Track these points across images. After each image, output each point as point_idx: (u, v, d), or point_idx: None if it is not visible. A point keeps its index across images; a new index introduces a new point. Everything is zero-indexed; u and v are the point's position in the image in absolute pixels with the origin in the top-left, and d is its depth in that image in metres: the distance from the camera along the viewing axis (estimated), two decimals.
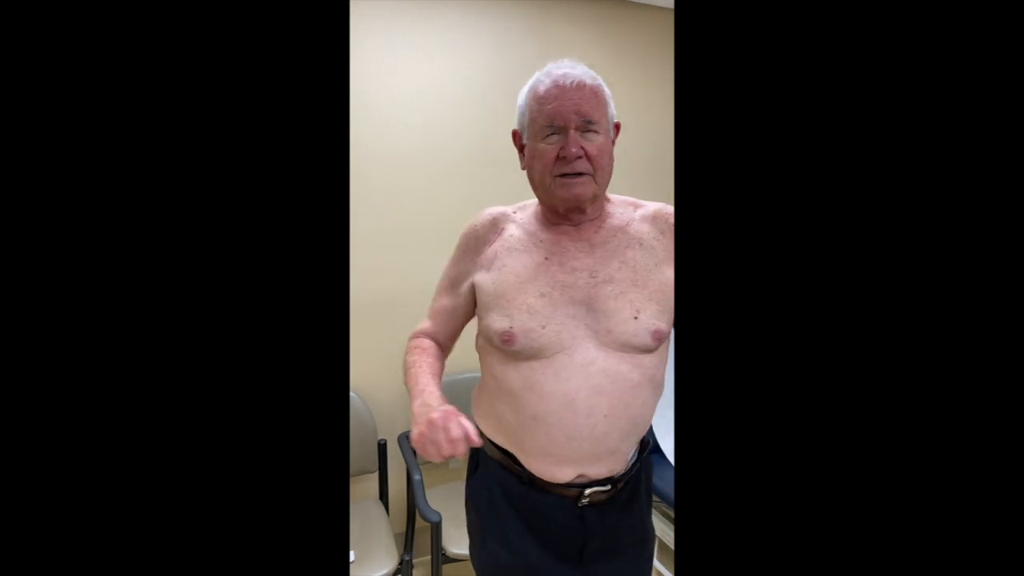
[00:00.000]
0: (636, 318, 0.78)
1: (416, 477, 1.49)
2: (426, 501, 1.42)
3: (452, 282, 0.93)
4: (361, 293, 1.66)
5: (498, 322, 0.80)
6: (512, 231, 0.86)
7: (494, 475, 0.89)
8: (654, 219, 0.84)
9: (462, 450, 0.68)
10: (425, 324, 0.98)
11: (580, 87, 0.75)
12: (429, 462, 1.70)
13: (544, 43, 1.77)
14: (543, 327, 0.78)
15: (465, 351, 1.76)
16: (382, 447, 1.69)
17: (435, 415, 0.71)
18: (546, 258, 0.81)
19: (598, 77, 0.79)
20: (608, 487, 0.83)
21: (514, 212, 0.90)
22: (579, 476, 0.82)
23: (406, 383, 0.86)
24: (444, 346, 0.98)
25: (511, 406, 0.82)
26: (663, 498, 1.64)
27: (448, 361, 1.66)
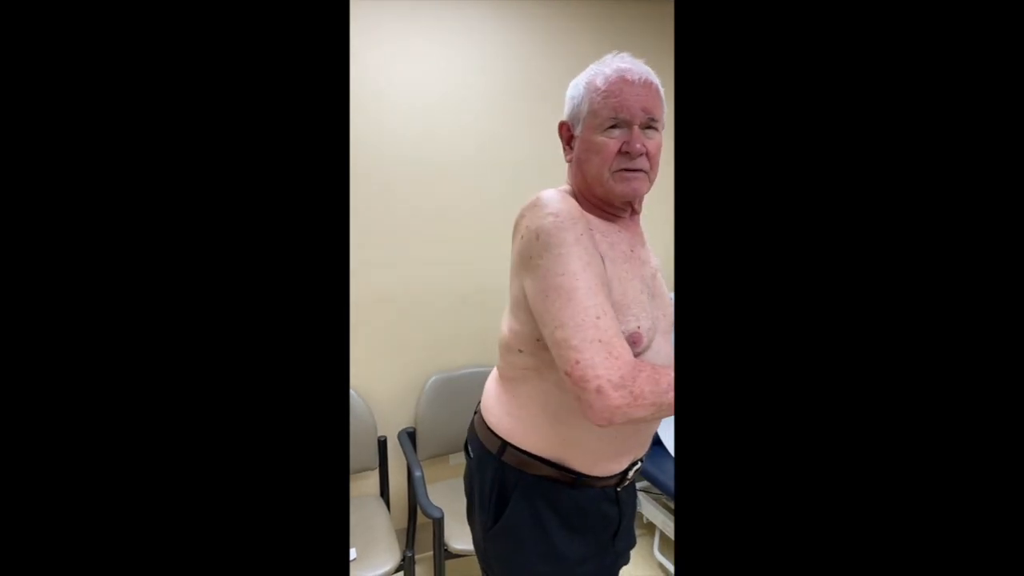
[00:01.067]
0: (671, 302, 0.83)
1: (417, 474, 1.49)
2: (428, 497, 1.42)
3: (602, 279, 0.71)
4: (361, 290, 1.65)
5: (624, 323, 0.70)
6: (590, 224, 0.75)
7: (536, 493, 0.81)
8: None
9: None
10: (619, 343, 0.67)
11: (647, 84, 0.76)
12: (429, 458, 1.72)
13: (544, 41, 1.76)
14: (652, 323, 0.77)
15: (464, 347, 1.77)
16: (382, 444, 1.69)
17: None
18: (631, 250, 0.81)
19: (656, 77, 0.79)
20: (639, 464, 0.87)
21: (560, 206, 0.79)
22: (634, 460, 0.85)
23: (667, 401, 0.66)
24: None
25: (581, 418, 0.74)
26: (664, 490, 1.64)
27: (448, 358, 1.69)
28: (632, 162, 0.75)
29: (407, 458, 1.62)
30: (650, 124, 0.76)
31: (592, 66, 0.80)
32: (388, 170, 1.65)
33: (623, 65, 0.77)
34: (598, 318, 0.66)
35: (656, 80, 0.78)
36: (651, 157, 0.77)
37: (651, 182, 0.79)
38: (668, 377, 0.66)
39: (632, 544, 0.95)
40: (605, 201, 0.80)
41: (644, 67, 0.78)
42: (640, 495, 1.88)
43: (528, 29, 1.76)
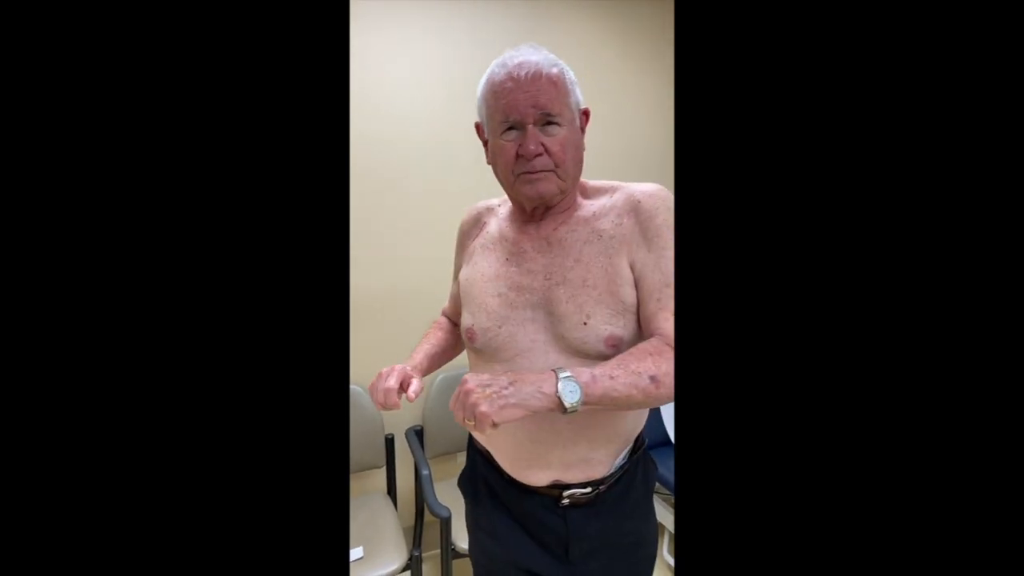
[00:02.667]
0: (585, 323, 0.72)
1: (424, 472, 1.48)
2: (435, 496, 1.41)
3: (456, 271, 0.94)
4: (367, 287, 1.64)
5: (465, 319, 0.82)
6: (491, 227, 0.86)
7: (480, 469, 0.90)
8: (625, 200, 0.76)
9: (392, 401, 0.74)
10: (446, 304, 1.03)
11: (536, 78, 0.69)
12: (437, 456, 1.71)
13: (547, 41, 1.74)
14: (499, 327, 0.77)
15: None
16: (389, 441, 1.68)
17: (383, 369, 0.77)
18: (507, 258, 0.80)
19: (559, 62, 0.73)
20: (589, 490, 0.79)
21: (499, 205, 0.89)
22: (555, 480, 0.79)
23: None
24: (457, 325, 0.99)
25: None
26: (672, 490, 1.62)
27: (457, 356, 1.65)
28: (529, 164, 0.71)
29: (414, 456, 1.61)
30: (548, 120, 0.70)
31: (493, 63, 0.74)
32: (393, 166, 1.63)
33: (514, 61, 0.71)
34: (452, 286, 0.97)
35: (555, 69, 0.71)
36: (554, 154, 0.71)
37: (564, 178, 0.73)
38: (427, 334, 0.96)
39: (610, 567, 0.85)
40: (518, 204, 0.81)
41: (541, 56, 0.71)
42: None
43: (530, 29, 1.73)
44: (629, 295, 0.73)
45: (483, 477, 0.89)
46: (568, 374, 0.62)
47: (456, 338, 0.98)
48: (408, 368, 0.80)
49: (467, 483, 0.94)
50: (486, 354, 0.79)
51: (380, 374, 0.77)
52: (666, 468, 1.66)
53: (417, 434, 1.70)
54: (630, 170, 1.92)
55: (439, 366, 0.95)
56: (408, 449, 1.69)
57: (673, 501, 1.79)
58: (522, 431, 0.76)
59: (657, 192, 0.75)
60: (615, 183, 0.82)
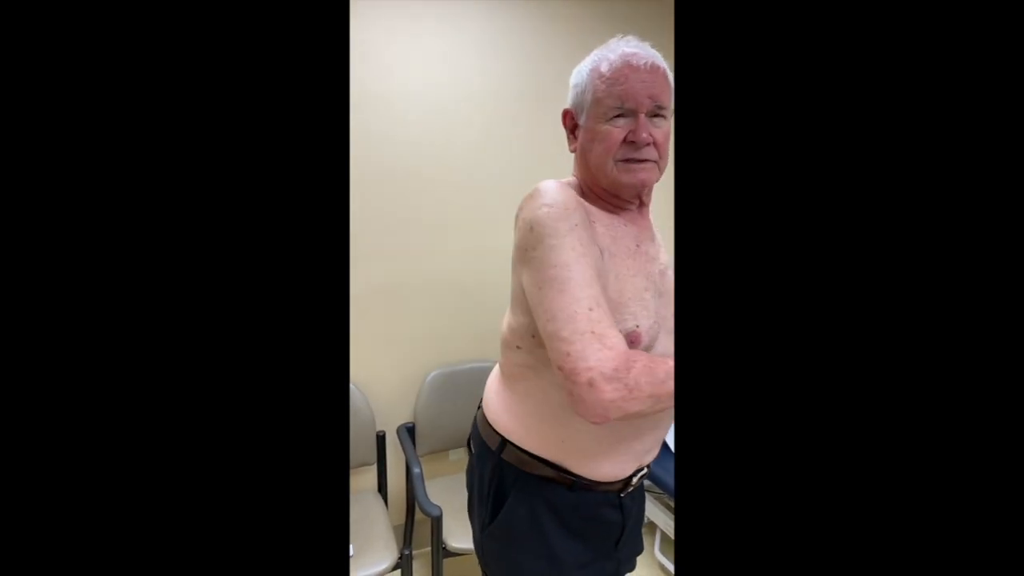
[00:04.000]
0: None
1: (416, 470, 1.47)
2: (426, 495, 1.40)
3: (598, 271, 0.67)
4: (360, 281, 1.63)
5: (622, 321, 0.67)
6: (591, 215, 0.72)
7: (535, 493, 0.79)
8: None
9: None
10: (614, 335, 0.63)
11: (654, 69, 0.71)
12: (428, 454, 1.70)
13: (547, 34, 1.72)
14: (654, 323, 0.73)
15: (465, 341, 1.74)
16: (381, 439, 1.67)
17: None
18: (637, 245, 0.76)
19: (664, 60, 0.74)
20: (645, 470, 0.83)
21: (558, 191, 0.74)
22: (638, 467, 0.81)
23: (666, 391, 0.63)
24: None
25: (580, 419, 0.71)
26: (666, 489, 1.61)
27: (449, 352, 1.65)
28: (638, 152, 0.72)
29: (406, 454, 1.60)
30: (657, 112, 0.72)
31: (596, 51, 0.75)
32: (388, 161, 1.61)
33: (628, 49, 0.72)
34: (591, 309, 0.63)
35: (664, 64, 0.74)
36: (659, 146, 0.72)
37: (661, 171, 0.75)
38: (665, 366, 0.63)
39: (639, 551, 0.91)
40: (611, 192, 0.76)
41: (651, 51, 0.73)
42: None
43: (531, 21, 1.71)
44: None
45: (542, 500, 0.78)
46: None
47: None
48: None
49: (514, 518, 0.79)
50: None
51: None
52: (657, 464, 1.65)
53: (409, 431, 1.68)
54: None
55: None
56: (399, 446, 1.67)
57: (665, 500, 1.78)
58: (653, 422, 0.76)
59: None
60: None
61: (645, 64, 0.71)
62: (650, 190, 0.79)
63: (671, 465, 1.66)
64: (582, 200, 0.73)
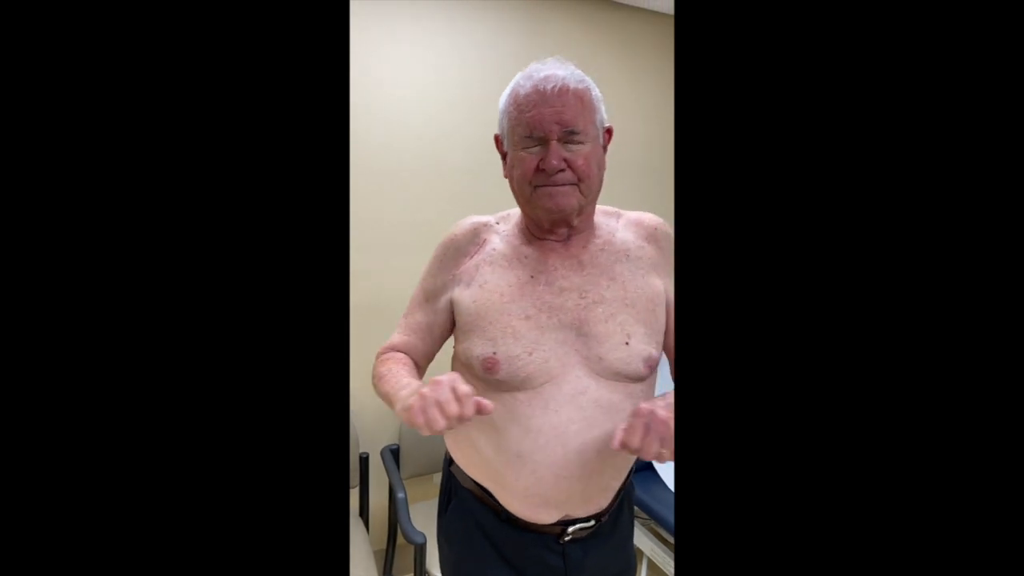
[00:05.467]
0: (627, 343, 0.71)
1: (400, 495, 1.43)
2: (410, 521, 1.36)
3: (428, 295, 0.83)
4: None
5: (479, 347, 0.72)
6: (495, 244, 0.78)
7: (470, 509, 0.81)
8: (636, 227, 0.79)
9: (470, 411, 0.59)
10: (395, 339, 0.86)
11: (562, 92, 0.68)
12: (413, 477, 1.66)
13: (543, 45, 1.75)
14: (529, 353, 0.70)
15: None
16: (364, 461, 1.63)
17: (437, 378, 0.62)
18: (532, 276, 0.74)
19: (586, 79, 0.72)
20: (592, 523, 0.77)
21: (497, 222, 0.82)
22: (565, 516, 0.76)
23: (381, 391, 0.76)
24: (418, 365, 0.86)
25: (492, 440, 0.74)
26: (652, 516, 1.59)
27: (436, 372, 1.60)
28: (551, 179, 0.69)
29: (390, 477, 1.56)
30: (570, 137, 0.69)
31: (518, 75, 0.73)
32: (377, 175, 1.61)
33: (540, 74, 0.69)
34: (404, 316, 0.86)
35: (580, 85, 0.70)
36: (577, 169, 0.69)
37: (586, 194, 0.71)
38: (382, 367, 0.79)
39: None
40: (535, 220, 0.75)
41: (568, 72, 0.70)
42: None
43: (531, 32, 1.74)
44: (662, 316, 0.75)
45: (474, 518, 0.80)
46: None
47: (419, 375, 0.85)
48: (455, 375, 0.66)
49: (452, 526, 0.84)
50: (510, 384, 0.71)
51: (437, 383, 0.61)
52: (644, 492, 1.64)
53: (393, 453, 1.65)
54: (629, 180, 1.93)
55: None
56: (382, 469, 1.63)
57: (652, 526, 1.76)
58: (545, 463, 0.71)
59: (663, 223, 0.80)
60: (613, 208, 0.83)
61: (554, 89, 0.68)
62: (576, 215, 0.73)
63: (660, 493, 1.64)
64: (487, 227, 0.80)
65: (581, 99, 0.70)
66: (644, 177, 1.99)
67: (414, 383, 0.72)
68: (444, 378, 0.62)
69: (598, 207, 0.80)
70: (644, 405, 0.62)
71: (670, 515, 1.57)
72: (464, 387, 0.61)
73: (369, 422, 1.67)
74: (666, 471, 1.74)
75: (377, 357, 0.85)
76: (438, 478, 1.77)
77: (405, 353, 0.85)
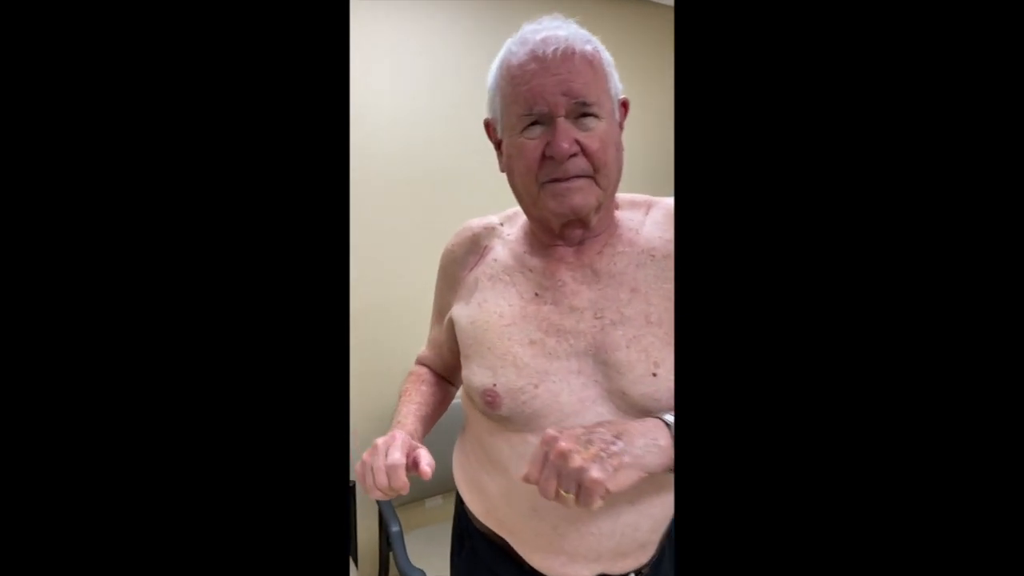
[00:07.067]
0: (655, 374, 0.56)
1: (395, 529, 1.28)
2: (407, 558, 1.21)
3: (438, 311, 0.74)
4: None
5: (478, 376, 0.60)
6: (497, 252, 0.66)
7: (485, 559, 0.68)
8: (667, 217, 0.64)
9: (401, 481, 0.53)
10: (423, 350, 0.82)
11: (567, 57, 0.54)
12: (405, 504, 1.51)
13: None
14: (535, 386, 0.57)
15: None
16: (351, 489, 1.47)
17: (379, 439, 0.56)
18: (536, 294, 0.61)
19: (593, 39, 0.57)
20: None
21: (502, 224, 0.69)
22: (601, 573, 0.62)
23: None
24: (447, 379, 0.80)
25: (502, 488, 0.62)
26: None
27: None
28: (561, 168, 0.55)
29: (380, 508, 1.41)
30: (582, 111, 0.54)
31: (507, 42, 0.58)
32: (368, 181, 1.50)
33: (537, 36, 0.55)
34: (430, 328, 0.79)
35: (589, 46, 0.55)
36: (592, 155, 0.54)
37: (604, 188, 0.57)
38: (404, 386, 0.74)
39: None
40: (542, 223, 0.61)
41: (571, 30, 0.56)
42: None
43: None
44: None
45: (489, 569, 0.68)
46: (672, 419, 0.51)
47: (445, 393, 0.79)
48: (409, 437, 0.58)
49: (472, 573, 0.71)
50: (516, 422, 0.59)
51: (375, 447, 0.55)
52: None
53: None
54: (628, 178, 1.84)
55: (430, 429, 0.73)
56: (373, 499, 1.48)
57: None
58: (567, 519, 0.58)
59: None
60: (644, 196, 0.69)
61: (556, 52, 0.53)
62: (594, 213, 0.58)
63: None
64: (490, 231, 0.69)
65: (591, 63, 0.55)
66: (645, 174, 1.90)
67: (401, 422, 0.66)
68: (381, 442, 0.56)
69: (624, 196, 0.67)
70: (550, 431, 0.49)
71: None
72: (396, 455, 0.54)
73: (356, 445, 1.53)
74: None
75: (412, 369, 0.82)
76: (431, 502, 1.63)
77: (431, 369, 0.79)
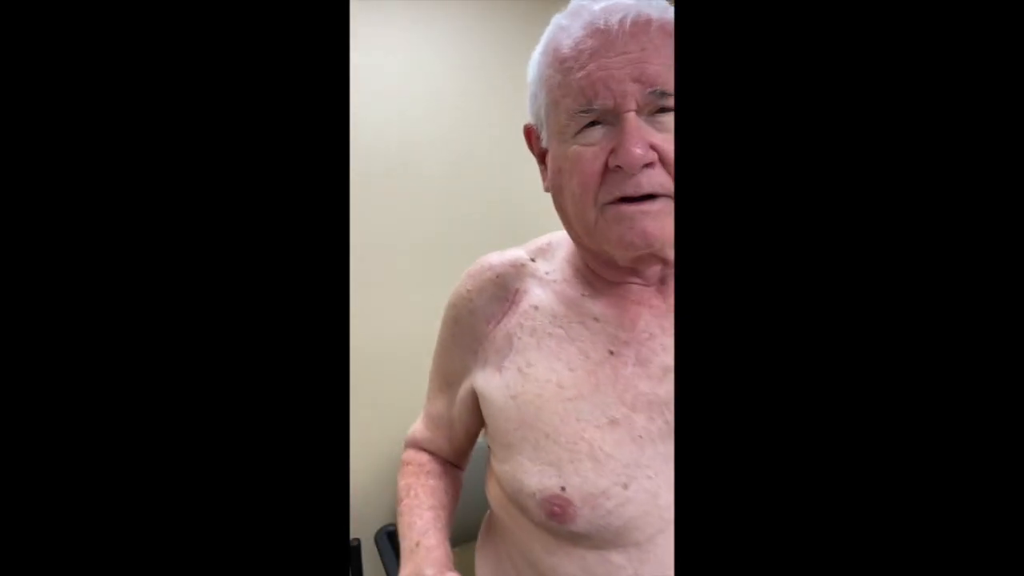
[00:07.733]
0: None
1: None
2: None
3: (444, 378, 0.59)
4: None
5: (534, 476, 0.45)
6: (536, 297, 0.50)
7: None
8: None
9: None
10: (418, 430, 0.64)
11: (640, 28, 0.41)
12: None
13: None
14: (625, 487, 0.42)
15: None
16: (355, 551, 1.33)
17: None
18: (611, 351, 0.46)
19: (669, 7, 0.43)
20: None
21: (533, 259, 0.53)
22: None
23: (398, 522, 0.57)
24: (454, 464, 0.64)
25: None
26: None
27: None
28: (633, 183, 0.41)
29: (386, 568, 1.26)
30: (659, 104, 0.41)
31: (555, 18, 0.47)
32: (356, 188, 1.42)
33: (598, 6, 0.42)
34: (426, 400, 0.64)
35: (667, 14, 0.43)
36: (669, 164, 0.42)
37: None
38: (404, 484, 0.60)
39: None
40: (600, 256, 0.47)
41: None
42: None
43: (535, 33, 1.62)
44: None
45: None
46: None
47: (458, 486, 0.64)
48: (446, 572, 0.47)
49: None
50: (596, 539, 0.43)
51: None
52: None
53: (390, 537, 1.34)
54: None
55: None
56: (379, 559, 1.32)
57: None
58: None
59: None
60: None
61: (623, 23, 0.40)
62: (670, 243, 0.44)
63: None
64: (519, 269, 0.53)
65: (667, 35, 0.41)
66: None
67: (425, 545, 0.51)
68: None
69: None
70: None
71: None
72: None
73: (359, 499, 1.38)
74: None
75: (403, 452, 0.66)
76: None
77: (431, 454, 0.63)
